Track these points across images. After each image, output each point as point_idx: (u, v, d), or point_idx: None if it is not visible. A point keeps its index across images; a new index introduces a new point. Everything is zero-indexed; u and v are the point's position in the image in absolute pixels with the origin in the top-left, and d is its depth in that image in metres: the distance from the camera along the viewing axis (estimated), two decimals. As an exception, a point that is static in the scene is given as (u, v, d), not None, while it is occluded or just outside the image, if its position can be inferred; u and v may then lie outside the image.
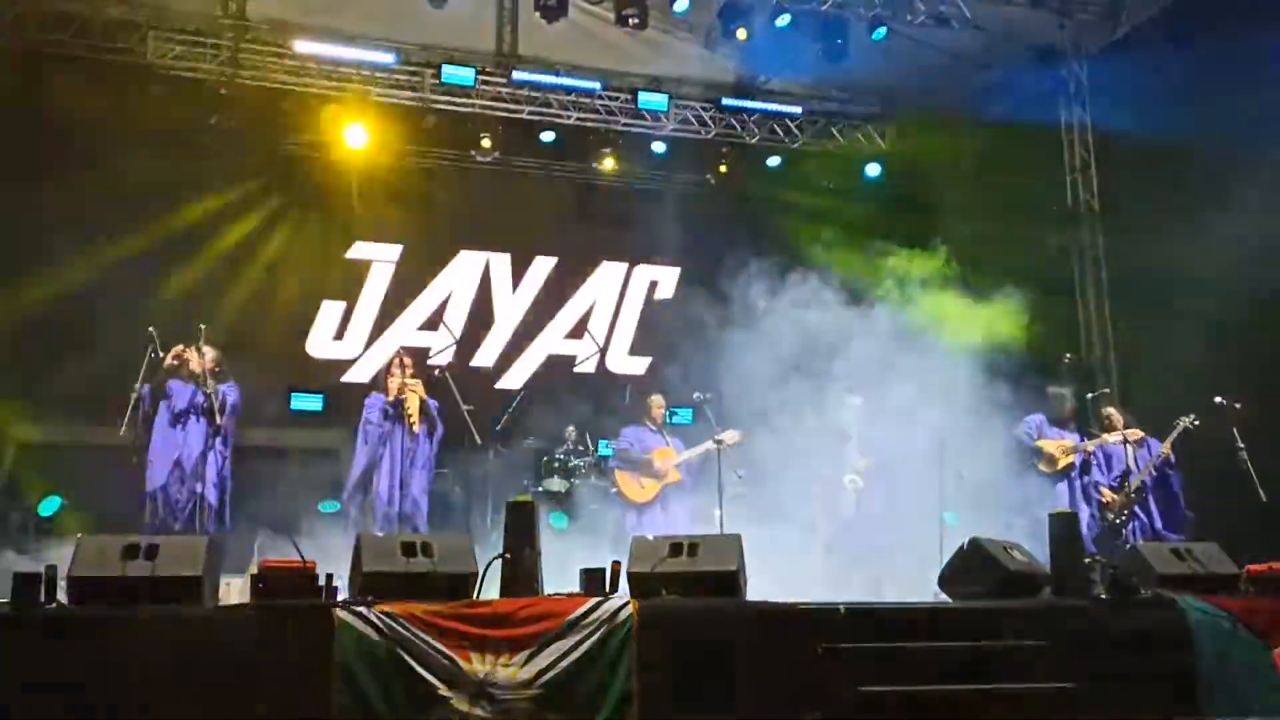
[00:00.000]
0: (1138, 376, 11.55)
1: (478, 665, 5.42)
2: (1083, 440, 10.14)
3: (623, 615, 5.69)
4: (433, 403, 9.47)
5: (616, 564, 6.17)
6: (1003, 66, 13.64)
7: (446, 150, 14.43)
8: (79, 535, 5.73)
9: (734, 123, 14.64)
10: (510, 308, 14.74)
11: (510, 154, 14.48)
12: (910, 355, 9.68)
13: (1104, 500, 9.80)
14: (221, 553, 7.59)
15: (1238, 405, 9.49)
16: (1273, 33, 10.04)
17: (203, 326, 8.82)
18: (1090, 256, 12.82)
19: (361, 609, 5.42)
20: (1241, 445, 9.35)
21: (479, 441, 9.81)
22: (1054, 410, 10.21)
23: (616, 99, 14.17)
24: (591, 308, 15.08)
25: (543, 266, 14.88)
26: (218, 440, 8.72)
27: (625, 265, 15.26)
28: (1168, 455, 9.74)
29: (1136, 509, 9.73)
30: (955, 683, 5.83)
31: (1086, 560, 7.05)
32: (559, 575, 6.55)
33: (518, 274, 14.81)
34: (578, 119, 14.14)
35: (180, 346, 8.76)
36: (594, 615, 5.66)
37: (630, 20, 12.11)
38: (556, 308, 14.93)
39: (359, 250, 14.20)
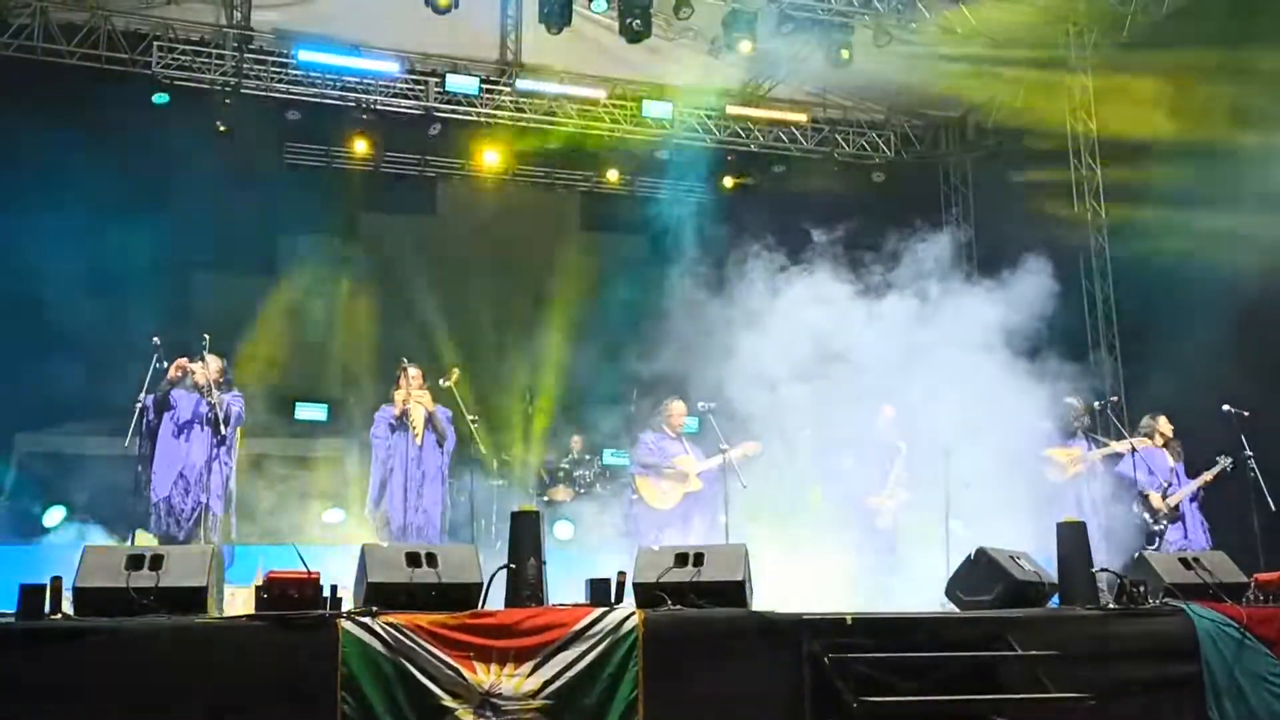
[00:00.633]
0: (1144, 385, 11.51)
1: (483, 676, 5.39)
2: (1090, 449, 10.11)
3: (628, 626, 5.66)
4: (444, 412, 9.44)
5: (622, 574, 6.15)
6: (1008, 74, 13.65)
7: (450, 159, 14.45)
8: (84, 546, 5.71)
9: (738, 130, 14.65)
10: (515, 316, 14.71)
11: (514, 163, 14.50)
12: (923, 361, 9.67)
13: (1153, 504, 9.79)
14: (226, 563, 7.61)
15: (1245, 414, 9.48)
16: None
17: (206, 336, 8.81)
18: (1097, 265, 12.81)
19: (366, 620, 5.40)
20: (1250, 453, 9.34)
21: (484, 452, 9.78)
22: (1062, 419, 10.17)
23: (621, 107, 14.18)
24: (596, 316, 15.04)
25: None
26: (222, 450, 8.71)
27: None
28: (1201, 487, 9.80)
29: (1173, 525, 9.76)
30: (963, 692, 5.80)
31: (1094, 569, 7.01)
32: (564, 585, 6.53)
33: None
34: (582, 127, 14.15)
35: (184, 358, 8.75)
36: (599, 626, 5.63)
37: (634, 28, 12.11)
38: (562, 316, 14.90)
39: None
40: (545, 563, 6.27)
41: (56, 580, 5.38)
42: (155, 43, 12.59)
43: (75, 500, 10.20)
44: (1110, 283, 12.75)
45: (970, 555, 6.95)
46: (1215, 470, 9.79)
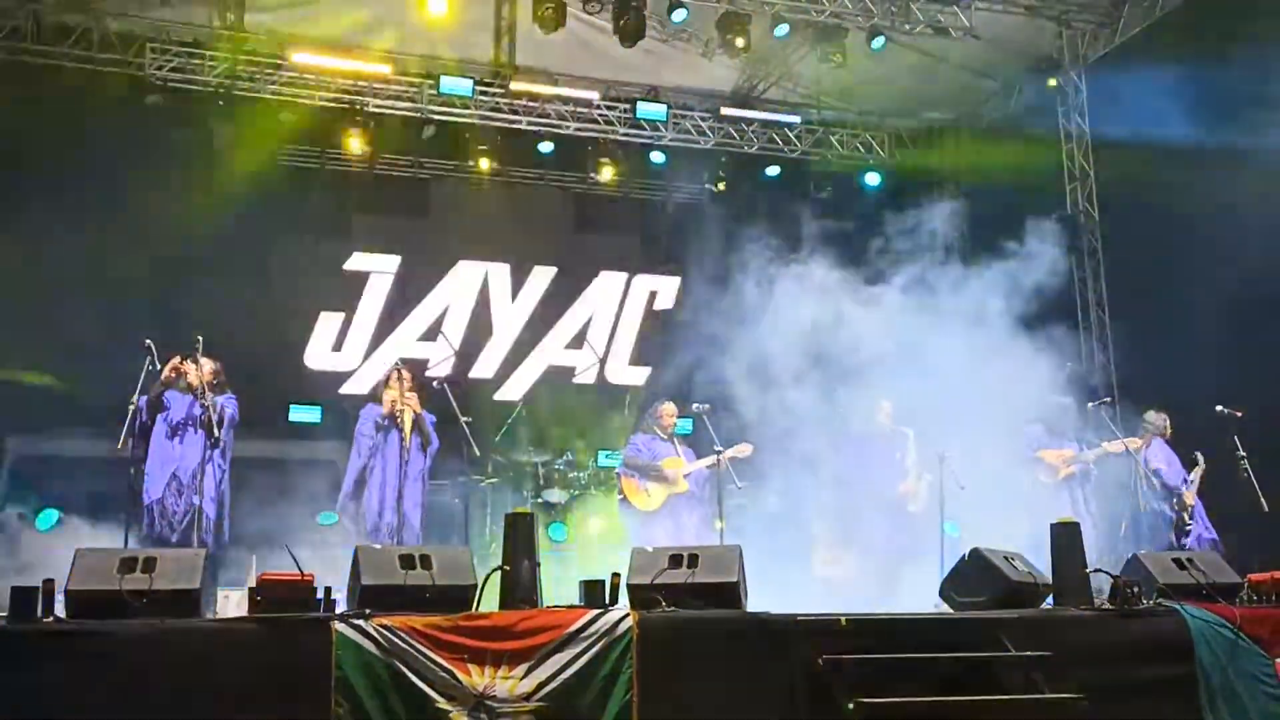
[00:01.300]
0: (1137, 385, 11.53)
1: (477, 678, 5.39)
2: (1082, 450, 10.12)
3: (622, 627, 5.66)
4: (429, 417, 9.44)
5: (616, 576, 6.15)
6: (1001, 76, 13.67)
7: (444, 161, 14.45)
8: (76, 548, 5.69)
9: (733, 132, 14.66)
10: (509, 318, 14.72)
11: (508, 164, 14.50)
12: (921, 355, 9.69)
13: (1186, 500, 9.82)
14: (219, 565, 7.60)
15: (1239, 414, 9.50)
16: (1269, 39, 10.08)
17: (199, 338, 8.78)
18: (1090, 265, 12.83)
19: (360, 622, 5.39)
20: (1243, 454, 9.36)
21: (478, 453, 9.76)
22: (1055, 420, 10.18)
23: (615, 109, 14.18)
24: (591, 318, 15.06)
25: (542, 277, 14.88)
26: (215, 453, 8.68)
27: (624, 275, 15.25)
28: (1190, 506, 9.82)
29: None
30: (957, 694, 5.80)
31: (1088, 570, 7.02)
32: (558, 587, 6.52)
33: (517, 284, 14.80)
34: (576, 129, 14.15)
35: (177, 359, 8.72)
36: (594, 627, 5.63)
37: (628, 30, 12.11)
38: (555, 318, 14.91)
39: (357, 261, 14.19)
40: (539, 564, 6.26)
41: (48, 583, 5.36)
42: (149, 44, 12.56)
43: (68, 503, 10.16)
44: (1104, 284, 12.76)
45: (964, 556, 6.95)
46: (1201, 467, 9.84)
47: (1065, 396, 10.21)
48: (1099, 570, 6.91)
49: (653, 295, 15.33)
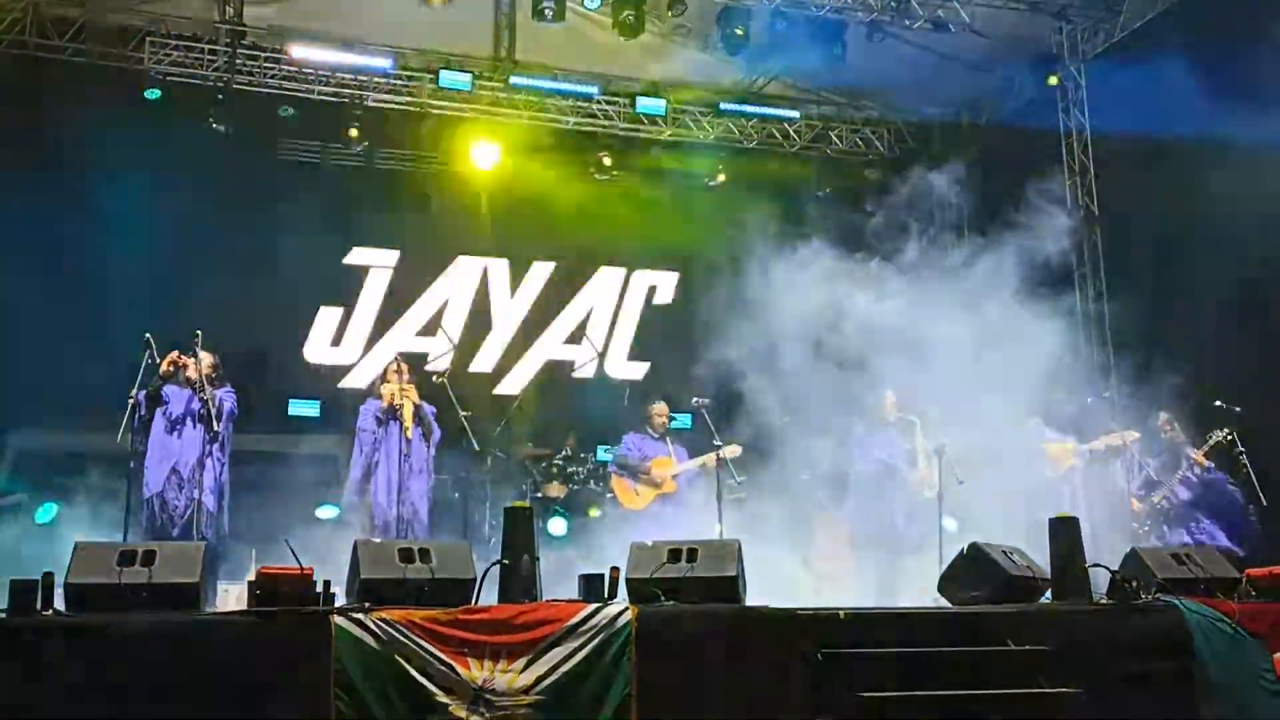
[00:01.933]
0: (1138, 379, 11.52)
1: (476, 671, 5.40)
2: (1081, 443, 10.12)
3: (622, 621, 5.67)
4: (429, 408, 9.44)
5: (615, 570, 6.16)
6: (1001, 71, 13.66)
7: (444, 155, 14.43)
8: (76, 541, 5.70)
9: (732, 127, 14.64)
10: (508, 313, 14.71)
11: (508, 157, 14.47)
12: (916, 354, 9.70)
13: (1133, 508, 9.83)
14: (219, 559, 7.59)
15: (1237, 409, 9.50)
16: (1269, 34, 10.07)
17: (198, 332, 8.78)
18: (1089, 259, 12.82)
19: (359, 615, 5.41)
20: (1242, 449, 9.36)
21: (477, 447, 9.77)
22: (1054, 413, 10.19)
23: (614, 103, 14.17)
24: (590, 313, 15.05)
25: (541, 271, 14.86)
26: (215, 447, 8.69)
27: (624, 270, 15.24)
28: (1204, 465, 9.71)
29: (1195, 523, 9.75)
30: (956, 687, 5.82)
31: (1086, 565, 7.02)
32: (558, 581, 6.53)
33: (516, 279, 14.79)
34: (575, 123, 14.14)
35: (176, 352, 8.72)
36: (593, 621, 5.64)
37: (628, 25, 12.09)
38: (555, 313, 14.90)
39: (356, 256, 14.18)
40: (538, 558, 6.27)
41: (48, 576, 5.37)
42: (148, 38, 12.55)
43: (67, 496, 10.16)
44: (1103, 279, 12.75)
45: (963, 551, 6.97)
46: (1206, 445, 9.77)
47: (1064, 390, 10.22)
48: (1098, 565, 6.92)
49: (652, 290, 15.31)
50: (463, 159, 14.23)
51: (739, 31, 12.60)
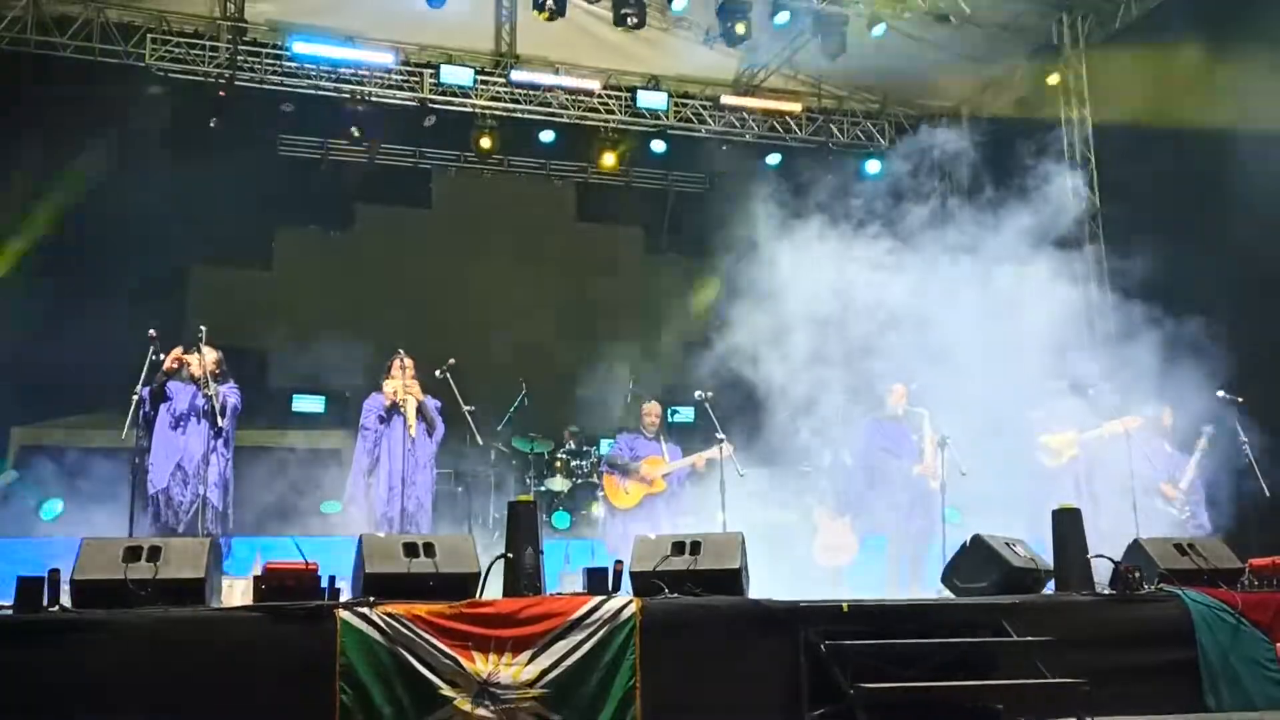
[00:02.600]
0: (1140, 371, 11.52)
1: (481, 665, 5.41)
2: (1082, 433, 10.12)
3: (625, 614, 5.68)
4: (434, 402, 9.45)
5: (619, 563, 6.18)
6: (1002, 62, 13.65)
7: (445, 150, 14.45)
8: (82, 538, 5.72)
9: (733, 120, 14.64)
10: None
11: (509, 153, 14.50)
12: (920, 347, 9.72)
13: (1166, 494, 9.83)
14: (224, 554, 7.61)
15: (1240, 400, 9.50)
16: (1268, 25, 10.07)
17: (203, 328, 8.79)
18: (1091, 250, 12.83)
19: (364, 610, 5.42)
20: (1245, 439, 9.36)
21: (480, 442, 9.78)
22: (1055, 404, 10.19)
23: (616, 98, 14.17)
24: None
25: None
26: (219, 442, 8.69)
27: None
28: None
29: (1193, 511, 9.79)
30: (959, 679, 5.82)
31: (1089, 555, 7.03)
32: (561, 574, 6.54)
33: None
34: (576, 118, 14.15)
35: (179, 349, 8.73)
36: (597, 614, 5.66)
37: (628, 19, 12.10)
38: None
39: (359, 251, 14.19)
40: (542, 552, 6.28)
41: (54, 572, 5.39)
42: (149, 35, 12.56)
43: (73, 493, 10.19)
44: (1105, 268, 12.75)
45: (966, 542, 6.98)
46: (1202, 441, 9.82)
47: (1066, 381, 10.22)
48: (1100, 555, 6.92)
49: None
50: (464, 154, 14.24)
51: (739, 25, 12.60)
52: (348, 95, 13.29)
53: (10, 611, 5.26)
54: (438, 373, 9.59)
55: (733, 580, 6.16)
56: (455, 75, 13.24)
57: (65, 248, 11.95)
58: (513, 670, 5.44)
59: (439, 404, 9.47)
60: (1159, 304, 10.78)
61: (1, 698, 4.93)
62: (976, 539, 6.91)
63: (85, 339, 11.29)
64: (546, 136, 14.22)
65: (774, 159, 15.00)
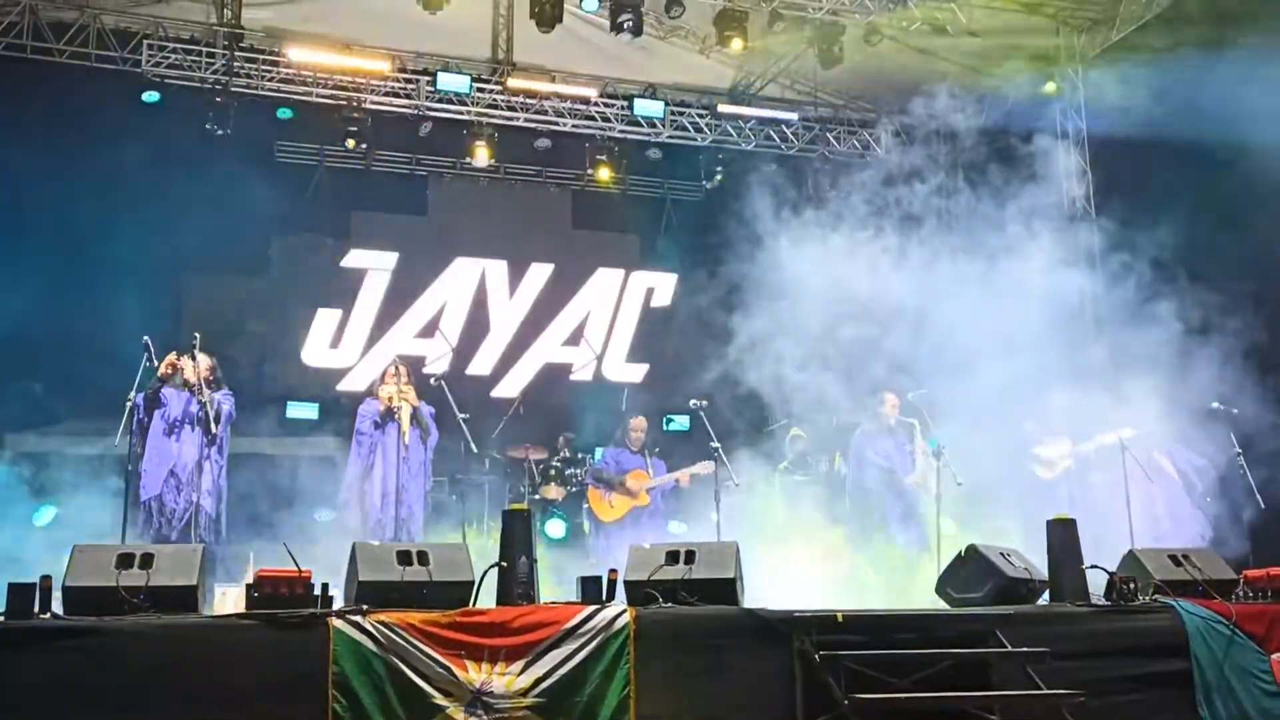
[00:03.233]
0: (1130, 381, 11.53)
1: (474, 674, 5.40)
2: (1076, 444, 10.13)
3: (620, 623, 5.67)
4: (428, 409, 9.45)
5: (614, 572, 6.17)
6: (998, 73, 13.66)
7: (442, 157, 14.45)
8: (74, 545, 5.70)
9: (730, 129, 14.65)
10: (506, 315, 14.70)
11: (506, 161, 14.50)
12: (914, 358, 9.73)
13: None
14: (217, 561, 7.59)
15: (1234, 411, 9.51)
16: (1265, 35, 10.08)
17: (196, 335, 8.79)
18: (1087, 263, 12.83)
19: (357, 618, 5.40)
20: (1239, 450, 9.37)
21: (475, 450, 9.77)
22: (1044, 415, 10.21)
23: (612, 106, 14.19)
24: (588, 315, 15.04)
25: (539, 274, 14.85)
26: (213, 449, 8.69)
27: (622, 272, 15.24)
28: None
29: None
30: (954, 689, 5.82)
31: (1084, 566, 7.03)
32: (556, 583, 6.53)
33: (514, 281, 14.78)
34: (573, 126, 14.16)
35: (174, 355, 8.72)
36: (591, 623, 5.64)
37: (625, 27, 12.11)
38: (553, 315, 14.89)
39: (354, 258, 14.18)
40: (536, 561, 6.27)
41: (45, 579, 5.37)
42: (145, 41, 12.56)
43: (65, 499, 10.15)
44: (1101, 282, 12.76)
45: (961, 552, 6.97)
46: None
47: (1061, 391, 10.23)
48: (1095, 566, 6.92)
49: (650, 292, 15.31)
50: (460, 161, 14.24)
51: (736, 34, 12.62)
52: (344, 102, 13.29)
53: (1, 618, 5.24)
54: (432, 380, 9.60)
55: (727, 589, 6.15)
56: (452, 83, 13.25)
57: (60, 253, 11.91)
58: (506, 679, 5.42)
59: (433, 411, 9.47)
60: (1156, 313, 10.81)
61: (-8, 705, 4.92)
62: (972, 549, 6.91)
63: (79, 344, 11.27)
64: (543, 144, 14.22)
65: (770, 168, 15.00)
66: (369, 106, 13.37)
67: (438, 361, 13.39)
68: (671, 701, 5.61)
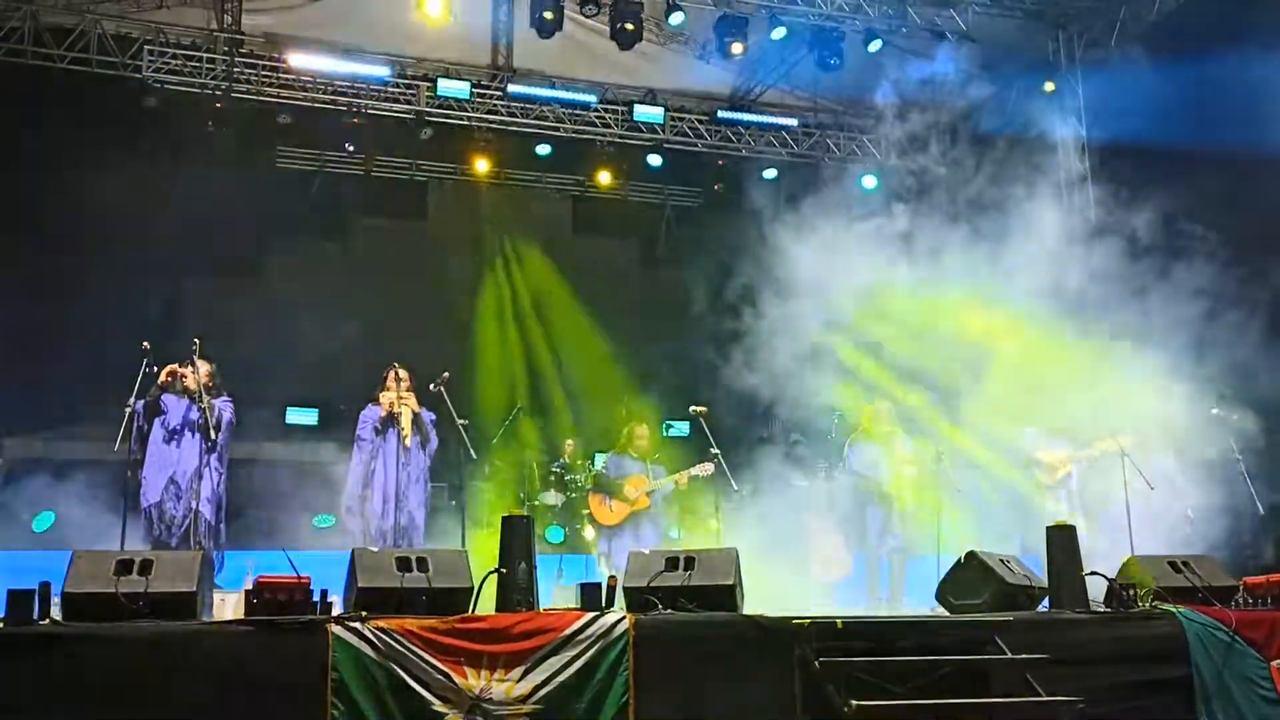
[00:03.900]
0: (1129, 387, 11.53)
1: (473, 681, 5.39)
2: (1074, 450, 10.12)
3: (619, 630, 5.66)
4: (428, 415, 9.43)
5: (613, 578, 6.16)
6: (997, 78, 13.68)
7: (442, 163, 14.46)
8: (73, 551, 5.69)
9: (730, 135, 14.66)
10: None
11: (505, 167, 14.51)
12: (916, 360, 9.74)
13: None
14: (216, 568, 7.59)
15: (1234, 416, 9.50)
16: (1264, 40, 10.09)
17: (196, 341, 8.78)
18: (1084, 267, 12.82)
19: (356, 625, 5.39)
20: (1239, 455, 9.36)
21: (474, 456, 9.76)
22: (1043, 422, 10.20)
23: (612, 112, 14.19)
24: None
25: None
26: (213, 456, 8.67)
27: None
28: None
29: None
30: (953, 696, 5.80)
31: (1084, 573, 7.02)
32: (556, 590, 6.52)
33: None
34: (573, 132, 14.16)
35: (174, 364, 8.70)
36: (590, 630, 5.63)
37: (625, 33, 12.12)
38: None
39: (354, 263, 14.17)
40: (536, 567, 6.26)
41: (45, 585, 5.36)
42: (146, 46, 12.58)
43: (64, 505, 10.15)
44: (1100, 276, 12.75)
45: (960, 559, 6.96)
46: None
47: (1061, 395, 10.22)
48: (1095, 573, 6.92)
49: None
50: (460, 167, 14.25)
51: (736, 40, 12.63)
52: (344, 108, 13.30)
53: (0, 624, 5.23)
54: (431, 386, 9.58)
55: (727, 596, 6.14)
56: (452, 88, 13.26)
57: (59, 257, 11.92)
58: (505, 686, 5.41)
59: (433, 418, 9.46)
60: (1156, 318, 10.81)
61: (-8, 712, 4.92)
62: (971, 556, 6.90)
63: (78, 350, 11.27)
64: (543, 150, 14.23)
65: (770, 173, 15.02)
66: (369, 112, 13.38)
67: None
68: (670, 708, 5.60)
